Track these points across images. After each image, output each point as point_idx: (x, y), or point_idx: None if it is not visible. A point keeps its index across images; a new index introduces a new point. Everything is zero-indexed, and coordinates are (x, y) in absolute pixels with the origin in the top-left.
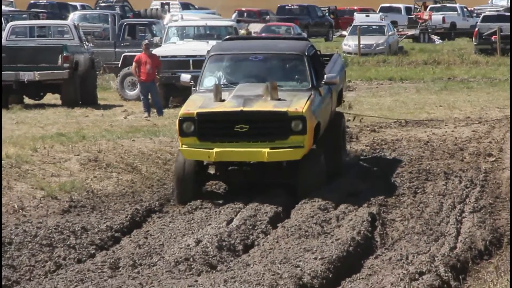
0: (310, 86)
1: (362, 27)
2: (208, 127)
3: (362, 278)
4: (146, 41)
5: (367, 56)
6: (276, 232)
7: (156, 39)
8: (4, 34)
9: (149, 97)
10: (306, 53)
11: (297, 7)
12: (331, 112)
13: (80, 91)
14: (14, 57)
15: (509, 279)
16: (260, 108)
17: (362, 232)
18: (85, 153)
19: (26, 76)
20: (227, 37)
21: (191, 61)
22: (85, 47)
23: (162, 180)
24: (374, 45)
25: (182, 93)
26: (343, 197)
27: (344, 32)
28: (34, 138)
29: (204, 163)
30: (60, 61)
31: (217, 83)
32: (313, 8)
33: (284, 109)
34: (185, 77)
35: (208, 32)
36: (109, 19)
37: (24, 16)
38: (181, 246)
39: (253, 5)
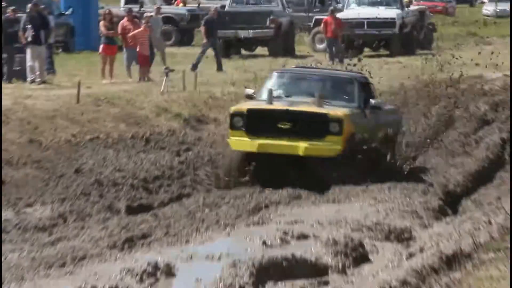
0: (357, 106)
1: None
2: (256, 122)
3: (494, 187)
4: (332, 7)
5: (502, 18)
6: (427, 151)
7: (339, 6)
8: (227, 2)
9: (333, 49)
10: (357, 79)
11: None
12: (374, 140)
13: (282, 45)
14: (234, 19)
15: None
16: (304, 109)
17: (494, 152)
18: None
19: (243, 33)
20: (296, 65)
21: (365, 22)
22: (287, 12)
23: None
24: (508, 9)
25: (360, 45)
26: (479, 125)
27: (484, 0)
28: (248, 80)
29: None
30: (268, 22)
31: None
32: None
33: (325, 111)
34: (249, 90)
35: (378, 0)
36: None
37: None
38: None
39: None
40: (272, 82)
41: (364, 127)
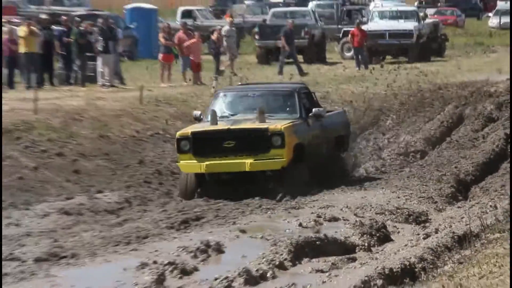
0: (298, 116)
1: (503, 10)
2: (201, 144)
3: (499, 176)
4: (358, 20)
5: (505, 29)
6: (440, 145)
7: (364, 19)
8: (268, 16)
9: (359, 57)
10: (297, 91)
11: None
12: (322, 146)
13: (315, 53)
14: (273, 31)
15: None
16: (245, 126)
17: (499, 145)
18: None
19: (280, 43)
20: (240, 83)
21: (387, 34)
22: (319, 24)
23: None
24: None
25: (382, 53)
26: (486, 122)
27: (490, 14)
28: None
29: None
30: (302, 34)
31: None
32: None
33: (265, 126)
34: (196, 112)
35: (398, 14)
36: (334, 6)
37: (280, 4)
38: None
39: None
40: (217, 102)
41: (308, 135)
